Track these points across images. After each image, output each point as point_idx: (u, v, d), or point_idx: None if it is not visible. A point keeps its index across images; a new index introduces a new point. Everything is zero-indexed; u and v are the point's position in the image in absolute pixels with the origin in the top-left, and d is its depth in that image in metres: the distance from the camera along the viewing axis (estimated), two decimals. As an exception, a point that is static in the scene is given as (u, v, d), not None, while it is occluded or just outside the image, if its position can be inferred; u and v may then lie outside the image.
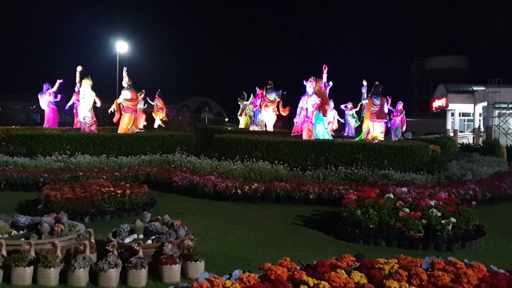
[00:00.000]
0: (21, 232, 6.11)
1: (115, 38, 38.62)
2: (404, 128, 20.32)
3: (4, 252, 5.42)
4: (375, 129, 16.12)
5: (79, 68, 17.29)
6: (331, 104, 17.27)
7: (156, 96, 20.99)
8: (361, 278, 4.25)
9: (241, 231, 7.84)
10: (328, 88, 15.55)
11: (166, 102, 21.79)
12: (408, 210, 7.46)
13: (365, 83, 19.05)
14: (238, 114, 24.41)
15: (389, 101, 17.96)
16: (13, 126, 19.16)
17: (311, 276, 4.21)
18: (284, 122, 23.26)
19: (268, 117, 21.62)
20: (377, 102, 15.82)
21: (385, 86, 16.85)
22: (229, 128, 22.63)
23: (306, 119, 14.39)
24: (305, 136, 14.38)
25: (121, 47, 37.66)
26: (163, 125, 19.91)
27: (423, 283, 4.25)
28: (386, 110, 16.54)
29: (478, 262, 4.70)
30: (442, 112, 48.24)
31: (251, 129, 21.72)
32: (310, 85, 14.21)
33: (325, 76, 14.94)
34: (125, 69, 15.99)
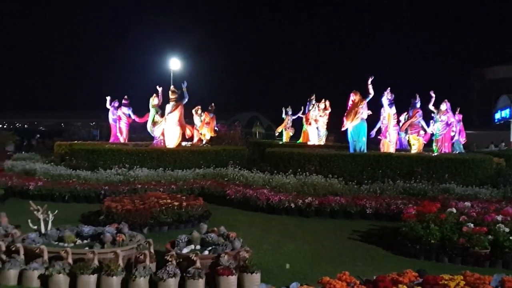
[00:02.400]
0: (85, 241, 6.39)
1: (168, 55, 39.67)
2: (461, 139, 18.94)
3: (70, 260, 5.67)
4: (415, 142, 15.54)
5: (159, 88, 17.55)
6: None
7: (205, 111, 20.99)
8: (425, 294, 4.07)
9: (296, 244, 7.76)
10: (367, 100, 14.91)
11: (216, 118, 21.96)
12: (472, 225, 7.09)
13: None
14: (283, 127, 23.88)
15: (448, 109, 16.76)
16: (76, 142, 20.10)
17: (372, 291, 4.08)
18: (337, 135, 22.81)
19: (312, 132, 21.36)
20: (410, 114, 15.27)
21: (444, 97, 16.19)
22: (280, 143, 22.47)
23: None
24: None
25: (175, 64, 38.72)
26: (206, 141, 19.76)
27: (493, 302, 4.01)
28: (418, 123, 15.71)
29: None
30: (507, 124, 45.71)
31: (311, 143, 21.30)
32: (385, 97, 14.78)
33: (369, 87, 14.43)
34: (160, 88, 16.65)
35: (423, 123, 15.58)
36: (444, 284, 4.34)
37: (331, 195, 10.51)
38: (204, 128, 19.80)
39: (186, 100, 15.71)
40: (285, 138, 23.33)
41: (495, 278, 4.60)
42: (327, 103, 20.90)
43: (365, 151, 13.97)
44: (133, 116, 18.90)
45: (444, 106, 15.90)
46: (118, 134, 19.16)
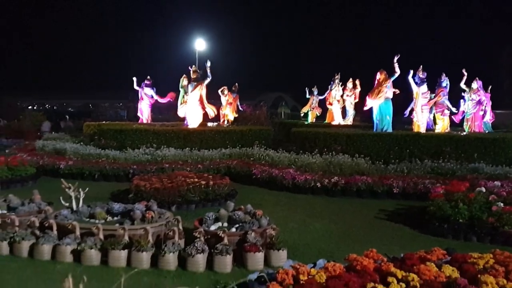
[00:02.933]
0: (115, 218, 6.58)
1: (193, 36, 39.67)
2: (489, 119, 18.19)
3: (101, 236, 5.85)
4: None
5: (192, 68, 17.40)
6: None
7: (228, 91, 20.82)
8: (453, 272, 4.05)
9: (322, 223, 7.79)
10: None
11: (242, 98, 21.88)
12: (502, 204, 6.97)
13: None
14: (308, 108, 23.50)
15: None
16: (104, 122, 20.47)
17: (399, 268, 4.09)
18: (363, 116, 22.48)
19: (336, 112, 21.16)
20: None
21: (474, 76, 15.73)
22: (305, 123, 22.33)
23: None
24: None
25: (200, 44, 38.71)
26: (229, 122, 19.67)
27: (523, 280, 3.95)
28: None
29: None
30: (539, 103, 44.15)
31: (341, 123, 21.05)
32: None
33: (395, 65, 14.07)
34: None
35: (448, 103, 15.22)
36: (473, 262, 4.30)
37: (358, 174, 10.45)
38: (227, 108, 19.82)
39: (209, 79, 15.64)
40: (311, 119, 23.02)
41: (526, 257, 4.53)
42: (357, 82, 20.60)
43: (390, 130, 13.77)
44: (155, 97, 18.96)
45: (475, 84, 15.48)
46: (139, 115, 19.36)
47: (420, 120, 14.77)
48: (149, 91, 18.89)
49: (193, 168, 11.66)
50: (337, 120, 21.01)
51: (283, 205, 9.20)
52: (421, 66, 14.61)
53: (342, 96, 21.10)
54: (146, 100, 19.00)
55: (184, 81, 17.37)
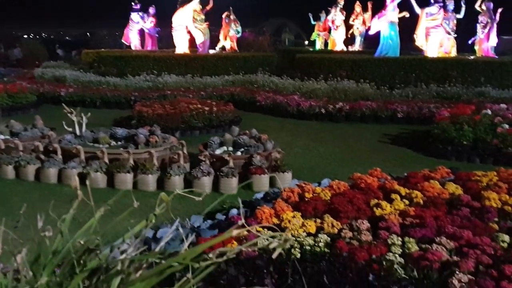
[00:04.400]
0: (119, 143, 6.60)
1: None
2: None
3: (106, 160, 5.90)
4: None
5: None
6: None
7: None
8: (456, 189, 4.10)
9: (326, 147, 7.83)
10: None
11: (244, 25, 21.16)
12: (507, 126, 6.94)
13: None
14: (315, 34, 22.56)
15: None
16: (103, 50, 20.04)
17: (403, 186, 4.14)
18: (370, 43, 21.72)
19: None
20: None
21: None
22: (311, 49, 21.72)
23: None
24: None
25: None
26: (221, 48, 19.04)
27: (526, 196, 4.00)
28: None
29: None
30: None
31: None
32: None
33: None
34: None
35: (446, 26, 14.58)
36: (477, 180, 4.35)
37: (362, 100, 10.36)
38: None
39: (195, 1, 15.12)
40: (319, 46, 22.12)
41: (529, 175, 4.56)
42: (369, 5, 19.49)
43: (394, 55, 13.43)
44: (142, 24, 18.27)
45: (483, 6, 14.84)
46: (124, 41, 18.80)
47: (424, 44, 14.06)
48: (135, 16, 18.16)
49: (195, 95, 11.55)
50: (339, 46, 20.32)
51: (288, 131, 9.21)
52: None
53: (346, 21, 20.27)
54: (133, 26, 18.37)
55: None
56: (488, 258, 3.04)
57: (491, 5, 14.89)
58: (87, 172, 5.67)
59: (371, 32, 14.12)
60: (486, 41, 15.24)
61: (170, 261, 0.95)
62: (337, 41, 20.43)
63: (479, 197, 3.94)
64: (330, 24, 20.49)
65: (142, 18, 18.12)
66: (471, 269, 2.97)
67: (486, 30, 15.18)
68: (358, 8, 19.74)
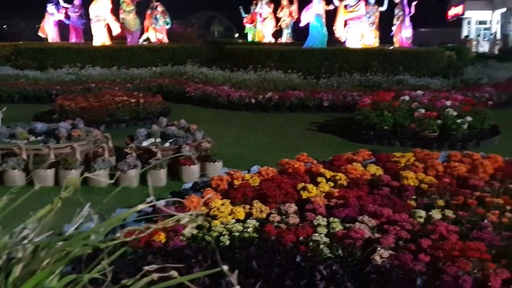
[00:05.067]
0: (38, 138, 6.21)
1: None
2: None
3: (24, 156, 5.54)
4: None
5: None
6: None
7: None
8: (377, 170, 4.31)
9: (256, 137, 7.91)
10: None
11: (173, 18, 20.72)
12: (423, 110, 7.40)
13: None
14: (251, 25, 22.50)
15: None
16: (21, 42, 18.84)
17: (328, 169, 4.27)
18: (298, 35, 22.05)
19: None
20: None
21: None
22: (239, 40, 21.79)
23: None
24: None
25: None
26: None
27: (439, 174, 4.30)
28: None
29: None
30: (458, 21, 46.02)
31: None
32: None
33: None
34: None
35: (366, 19, 15.23)
36: (396, 160, 4.60)
37: (290, 90, 10.57)
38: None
39: None
40: (251, 37, 21.82)
41: (442, 154, 4.91)
42: None
43: (322, 46, 13.79)
44: (57, 15, 17.51)
45: None
46: (40, 34, 18.01)
47: (344, 35, 14.36)
48: (50, 8, 17.32)
49: (122, 87, 11.16)
50: (268, 38, 20.50)
51: (218, 122, 9.18)
52: None
53: (275, 13, 20.49)
54: (48, 18, 17.49)
55: None
56: (407, 233, 3.23)
57: None
58: (3, 169, 5.30)
59: (301, 24, 14.40)
60: (399, 33, 16.13)
61: (65, 245, 0.90)
62: (265, 33, 20.59)
63: (398, 177, 4.17)
64: (258, 16, 20.65)
65: (58, 9, 17.27)
66: (391, 244, 3.14)
67: (398, 22, 16.06)
68: (284, 0, 20.02)
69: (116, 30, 15.34)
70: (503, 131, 7.83)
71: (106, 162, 5.51)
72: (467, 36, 35.21)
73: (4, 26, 51.87)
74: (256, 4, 21.05)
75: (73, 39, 17.91)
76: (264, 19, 20.28)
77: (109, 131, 7.89)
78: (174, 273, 1.14)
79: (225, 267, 1.12)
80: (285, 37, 20.32)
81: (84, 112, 8.09)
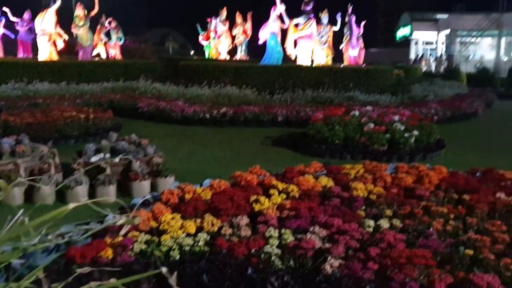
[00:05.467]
0: (-19, 154, 5.90)
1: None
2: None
3: (-36, 173, 5.24)
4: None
5: None
6: None
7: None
8: (328, 181, 4.37)
9: (211, 151, 7.87)
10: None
11: (127, 34, 20.62)
12: (372, 125, 7.62)
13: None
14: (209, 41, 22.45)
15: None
16: None
17: (281, 181, 4.29)
18: (255, 52, 22.26)
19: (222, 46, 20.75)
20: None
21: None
22: (195, 57, 21.75)
23: None
24: None
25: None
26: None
27: (387, 185, 4.41)
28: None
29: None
30: (406, 42, 48.22)
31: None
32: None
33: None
34: None
35: (318, 38, 15.69)
36: (346, 172, 4.68)
37: (245, 105, 10.63)
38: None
39: (56, 5, 14.62)
40: (212, 54, 21.51)
41: (390, 166, 5.05)
42: (248, 15, 20.02)
43: (278, 63, 14.01)
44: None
45: (347, 18, 16.21)
46: None
47: (294, 53, 14.50)
48: None
49: (71, 103, 10.82)
50: (223, 55, 20.62)
51: (172, 137, 9.07)
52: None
53: (231, 31, 20.65)
54: None
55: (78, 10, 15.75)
56: (356, 242, 3.27)
57: (353, 18, 16.27)
58: None
59: (259, 42, 14.57)
60: (347, 51, 16.72)
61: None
62: (221, 51, 20.69)
63: (348, 188, 4.24)
64: (213, 34, 20.78)
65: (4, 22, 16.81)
66: (341, 254, 3.17)
67: (345, 41, 16.66)
68: (238, 19, 20.25)
69: (60, 45, 15.09)
70: (448, 145, 8.21)
71: (52, 178, 5.29)
72: (422, 55, 36.96)
73: None
74: (211, 22, 21.19)
75: (20, 54, 17.32)
76: (219, 36, 20.41)
77: (57, 147, 7.57)
78: (112, 280, 1.10)
79: (164, 269, 1.09)
80: (240, 55, 20.50)
81: (30, 128, 7.77)
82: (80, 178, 5.25)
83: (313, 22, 14.25)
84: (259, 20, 17.20)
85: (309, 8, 14.19)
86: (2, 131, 7.94)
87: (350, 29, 16.34)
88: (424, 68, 31.05)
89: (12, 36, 17.49)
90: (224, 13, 20.48)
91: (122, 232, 1.06)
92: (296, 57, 14.51)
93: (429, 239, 3.35)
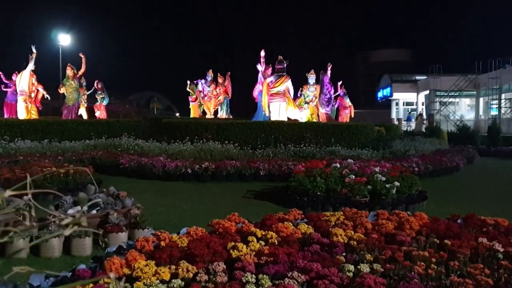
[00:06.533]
0: (-47, 209, 5.72)
1: (57, 30, 36.81)
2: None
3: None
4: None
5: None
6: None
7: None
8: (308, 228, 4.31)
9: (192, 205, 7.76)
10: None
11: (114, 97, 21.14)
12: (353, 176, 7.65)
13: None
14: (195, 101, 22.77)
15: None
16: None
17: (260, 228, 4.22)
18: (238, 110, 22.75)
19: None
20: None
21: (333, 78, 17.10)
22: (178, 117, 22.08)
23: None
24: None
25: (64, 39, 35.99)
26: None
27: (368, 231, 4.37)
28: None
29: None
30: (387, 103, 49.72)
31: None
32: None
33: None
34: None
35: (304, 97, 16.43)
36: (326, 219, 4.64)
37: (227, 159, 10.64)
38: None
39: (30, 65, 15.38)
40: (195, 113, 22.22)
41: (371, 214, 5.03)
42: (227, 75, 20.84)
43: (265, 119, 14.31)
44: None
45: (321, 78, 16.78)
46: None
47: (267, 110, 14.77)
48: None
49: (52, 160, 10.73)
50: (209, 114, 21.11)
51: (153, 192, 8.96)
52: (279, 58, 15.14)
53: (215, 92, 21.19)
54: None
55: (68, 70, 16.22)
56: (336, 287, 3.19)
57: (326, 78, 16.69)
58: None
59: (256, 101, 15.08)
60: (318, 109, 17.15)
61: None
62: (208, 110, 21.20)
63: (328, 234, 4.19)
64: (200, 94, 21.30)
65: None
66: (320, 298, 3.08)
67: (316, 100, 17.04)
68: (220, 79, 20.92)
69: (39, 103, 15.61)
70: (430, 197, 8.24)
71: (26, 231, 5.11)
72: (420, 114, 37.92)
73: None
74: (196, 84, 21.71)
75: (6, 115, 17.45)
76: (206, 96, 20.95)
77: (35, 202, 7.44)
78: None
79: (112, 275, 1.04)
80: (221, 113, 20.97)
81: (9, 183, 7.61)
82: (55, 230, 5.08)
83: (286, 80, 14.63)
84: (240, 80, 17.89)
85: (281, 66, 14.64)
86: (-22, 187, 7.78)
87: (321, 87, 16.72)
88: (422, 126, 31.75)
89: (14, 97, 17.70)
90: (210, 74, 21.13)
91: (67, 232, 1.03)
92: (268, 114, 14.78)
93: (411, 283, 3.28)
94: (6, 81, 17.47)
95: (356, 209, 7.01)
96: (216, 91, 20.75)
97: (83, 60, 15.36)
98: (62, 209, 5.70)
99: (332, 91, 17.12)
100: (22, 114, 14.97)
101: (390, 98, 47.67)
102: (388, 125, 22.93)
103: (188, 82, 22.54)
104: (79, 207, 5.85)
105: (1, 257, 4.96)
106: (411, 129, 35.17)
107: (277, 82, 14.43)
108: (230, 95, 20.69)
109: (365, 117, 40.48)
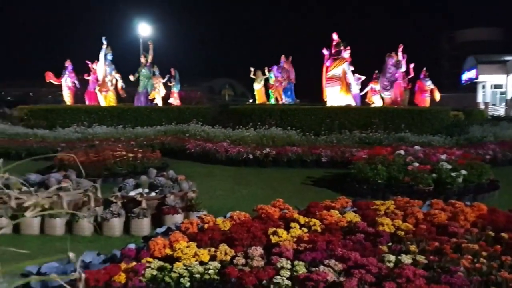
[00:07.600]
0: (31, 188, 6.30)
1: (137, 20, 38.39)
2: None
3: (13, 204, 5.59)
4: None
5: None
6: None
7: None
8: (354, 217, 4.22)
9: (250, 190, 7.88)
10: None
11: (190, 84, 21.79)
12: (417, 164, 7.31)
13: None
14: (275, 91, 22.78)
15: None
16: (38, 105, 19.74)
17: (303, 215, 4.20)
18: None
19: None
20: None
21: (414, 59, 16.33)
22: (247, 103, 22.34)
23: None
24: None
25: (144, 30, 37.47)
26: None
27: (418, 221, 4.18)
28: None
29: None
30: (473, 86, 46.27)
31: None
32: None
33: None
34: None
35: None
36: (375, 208, 4.50)
37: (289, 146, 10.63)
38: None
39: (102, 52, 16.30)
40: (275, 100, 22.31)
41: (426, 203, 4.80)
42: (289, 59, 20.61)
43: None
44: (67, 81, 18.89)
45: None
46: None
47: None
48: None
49: (125, 144, 11.39)
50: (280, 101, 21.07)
51: (214, 176, 9.21)
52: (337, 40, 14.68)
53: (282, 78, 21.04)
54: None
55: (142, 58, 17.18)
56: (372, 276, 3.10)
57: (391, 61, 15.65)
58: (-9, 216, 5.36)
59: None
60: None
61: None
62: (279, 96, 21.22)
63: (375, 224, 4.07)
64: (274, 82, 21.28)
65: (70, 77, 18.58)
66: (354, 287, 3.02)
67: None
68: (285, 64, 20.71)
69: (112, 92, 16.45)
70: (505, 187, 7.66)
71: (91, 211, 5.52)
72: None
73: (30, 94, 54.94)
74: (270, 71, 21.63)
75: (87, 101, 18.73)
76: (281, 82, 20.86)
77: (106, 184, 7.98)
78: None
79: (72, 254, 1.10)
80: (285, 99, 20.77)
81: (82, 166, 8.21)
82: (116, 210, 5.44)
83: (341, 63, 14.13)
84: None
85: (336, 50, 14.19)
86: (57, 170, 8.47)
87: (384, 70, 15.93)
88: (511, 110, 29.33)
89: (78, 85, 19.00)
90: (283, 59, 20.97)
91: (28, 214, 1.11)
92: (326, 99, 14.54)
93: (454, 276, 3.11)
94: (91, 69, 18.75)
95: (419, 197, 6.77)
96: (282, 77, 20.61)
97: (150, 47, 16.05)
98: (124, 191, 6.05)
99: (398, 74, 16.27)
100: (102, 102, 16.01)
101: (475, 80, 44.30)
102: (468, 110, 21.50)
103: (252, 69, 22.40)
104: (140, 189, 6.19)
105: (70, 234, 5.40)
106: (500, 114, 32.56)
107: (332, 65, 14.06)
108: (294, 80, 20.46)
109: (448, 101, 38.08)
